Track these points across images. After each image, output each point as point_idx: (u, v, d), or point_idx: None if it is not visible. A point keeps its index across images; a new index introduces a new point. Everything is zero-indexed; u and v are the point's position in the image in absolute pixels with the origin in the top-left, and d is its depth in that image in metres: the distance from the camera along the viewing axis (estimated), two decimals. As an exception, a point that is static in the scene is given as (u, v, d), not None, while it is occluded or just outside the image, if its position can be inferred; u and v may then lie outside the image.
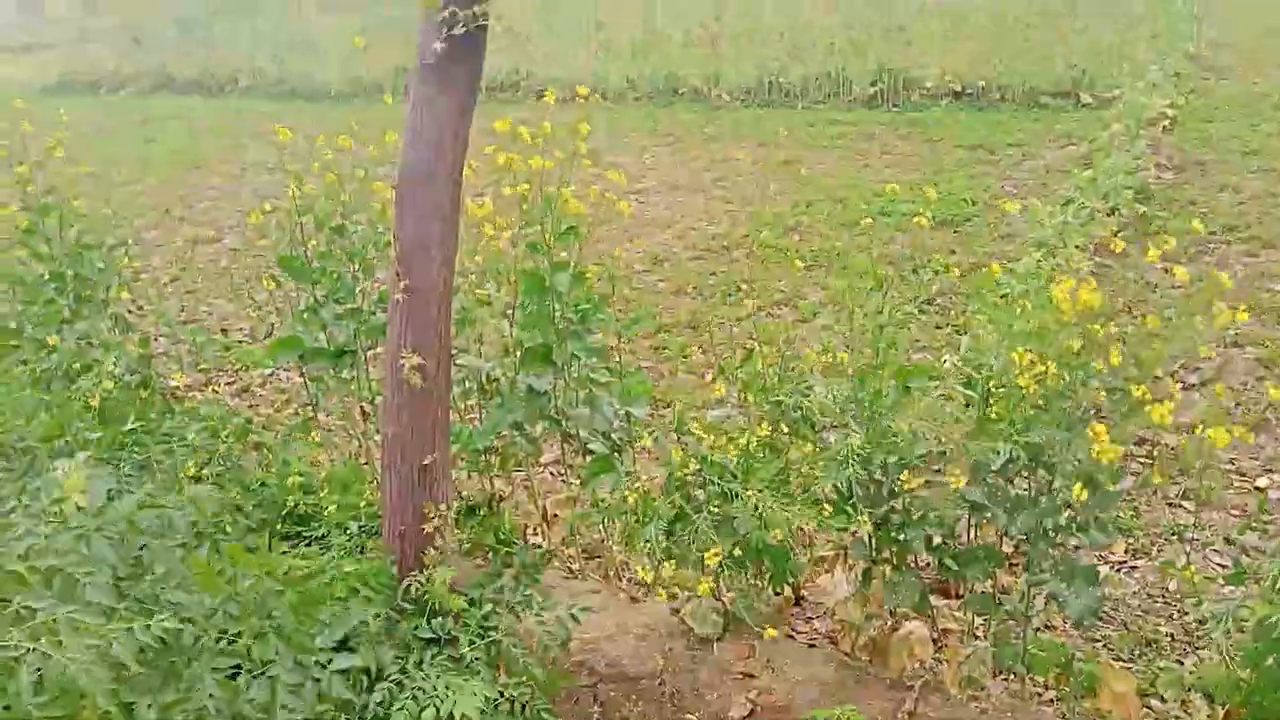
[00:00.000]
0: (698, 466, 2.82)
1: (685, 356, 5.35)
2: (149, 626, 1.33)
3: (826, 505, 2.87)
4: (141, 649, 1.34)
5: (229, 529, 2.55)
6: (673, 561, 3.02)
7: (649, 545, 2.77)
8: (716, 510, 2.79)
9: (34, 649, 1.24)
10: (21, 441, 2.50)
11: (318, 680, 1.46)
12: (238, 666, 1.45)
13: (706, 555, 2.72)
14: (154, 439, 3.11)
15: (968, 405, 2.83)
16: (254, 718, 1.39)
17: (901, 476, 2.73)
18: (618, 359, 3.59)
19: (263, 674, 1.45)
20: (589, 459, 3.30)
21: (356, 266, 3.72)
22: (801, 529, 3.19)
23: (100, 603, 1.35)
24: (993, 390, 2.72)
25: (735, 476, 2.82)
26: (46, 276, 4.17)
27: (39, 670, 1.23)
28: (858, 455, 2.64)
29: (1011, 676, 2.90)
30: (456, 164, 2.48)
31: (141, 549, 1.57)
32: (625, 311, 5.91)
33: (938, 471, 2.77)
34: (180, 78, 15.94)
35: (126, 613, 1.35)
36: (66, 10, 22.13)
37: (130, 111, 14.41)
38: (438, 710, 1.70)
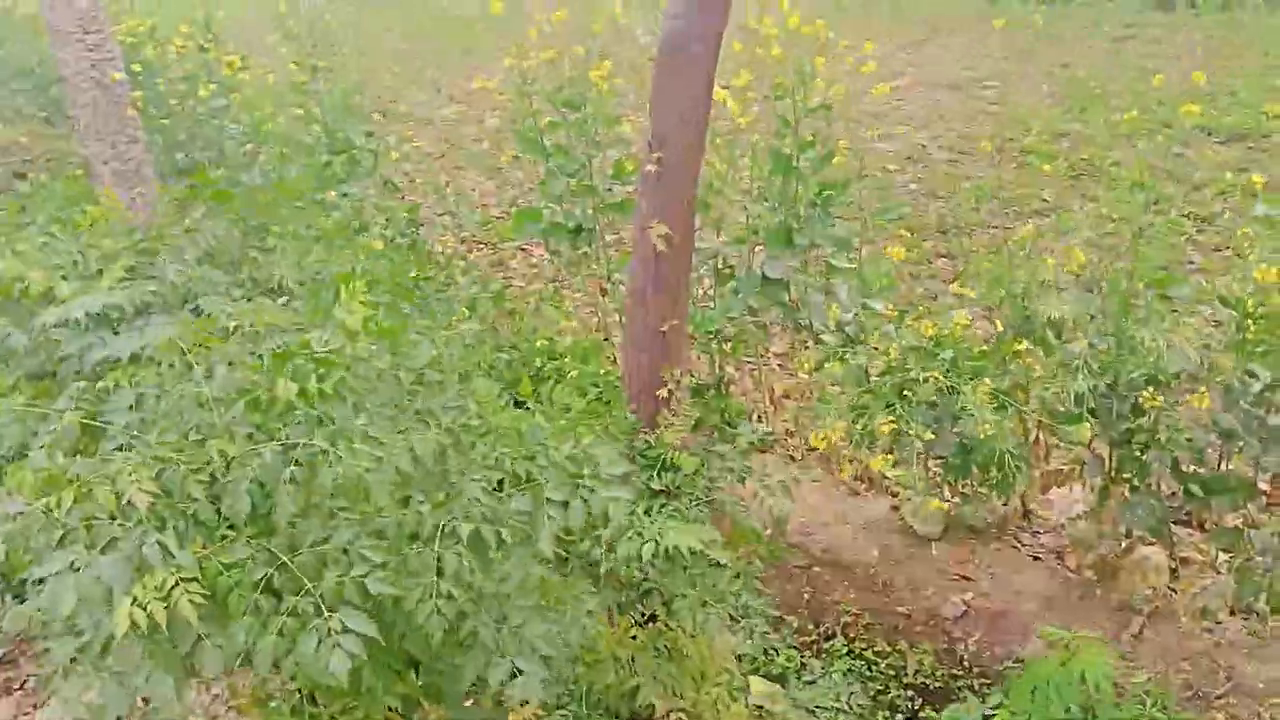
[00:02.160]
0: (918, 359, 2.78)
1: (930, 262, 5.21)
2: (426, 438, 1.52)
3: (1061, 415, 2.78)
4: (417, 458, 1.53)
5: (490, 374, 2.78)
6: (892, 455, 3.03)
7: (865, 435, 2.78)
8: (933, 405, 2.76)
9: (332, 450, 1.45)
10: (316, 278, 2.78)
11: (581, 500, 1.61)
12: (501, 482, 1.63)
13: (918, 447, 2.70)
14: (431, 294, 3.40)
15: (1218, 324, 2.64)
16: (514, 523, 1.56)
17: (1146, 393, 2.60)
18: (859, 250, 3.56)
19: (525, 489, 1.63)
20: (819, 348, 3.32)
21: (588, 141, 3.84)
22: (1037, 440, 3.11)
23: (386, 415, 1.55)
24: (1253, 311, 2.51)
25: (959, 375, 2.76)
26: (322, 138, 4.56)
27: (336, 469, 1.44)
28: (1101, 365, 2.53)
29: (1252, 616, 2.75)
30: (713, 48, 2.51)
31: (422, 371, 1.76)
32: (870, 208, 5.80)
33: (1189, 393, 2.61)
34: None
35: (408, 425, 1.54)
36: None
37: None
38: (658, 543, 1.84)
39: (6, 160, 6.70)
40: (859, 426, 2.88)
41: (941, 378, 2.76)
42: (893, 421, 2.82)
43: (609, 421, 2.33)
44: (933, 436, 2.82)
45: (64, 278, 2.11)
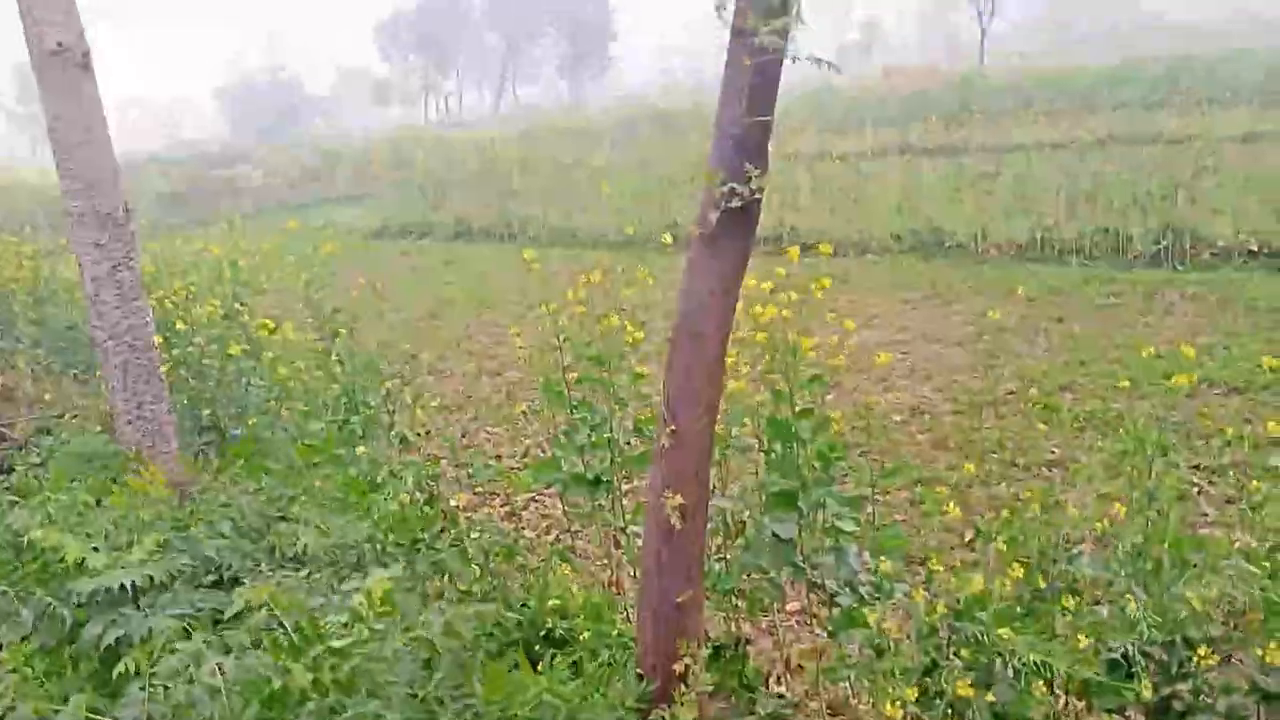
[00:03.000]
0: (948, 613, 2.72)
1: (943, 513, 5.19)
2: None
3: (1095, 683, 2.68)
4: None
5: (495, 643, 2.73)
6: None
7: (896, 699, 2.68)
8: (968, 659, 2.67)
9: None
10: (331, 550, 2.82)
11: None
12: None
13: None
14: (440, 550, 3.40)
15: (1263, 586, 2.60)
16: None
17: (1199, 652, 2.52)
18: (870, 509, 3.58)
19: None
20: (835, 610, 3.27)
21: (611, 397, 3.98)
22: (1066, 705, 2.98)
23: (399, 700, 1.52)
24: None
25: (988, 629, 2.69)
26: (341, 397, 4.73)
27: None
28: (1146, 624, 2.47)
29: None
30: (725, 322, 2.66)
31: (429, 658, 1.74)
32: (882, 461, 5.85)
33: (1228, 657, 2.54)
34: (476, 226, 17.67)
35: (420, 709, 1.51)
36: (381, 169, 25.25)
37: (434, 254, 16.09)
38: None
39: (34, 415, 6.88)
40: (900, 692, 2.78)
41: (980, 640, 2.70)
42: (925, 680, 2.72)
43: (622, 694, 2.26)
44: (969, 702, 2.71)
45: (95, 549, 2.14)
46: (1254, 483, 3.44)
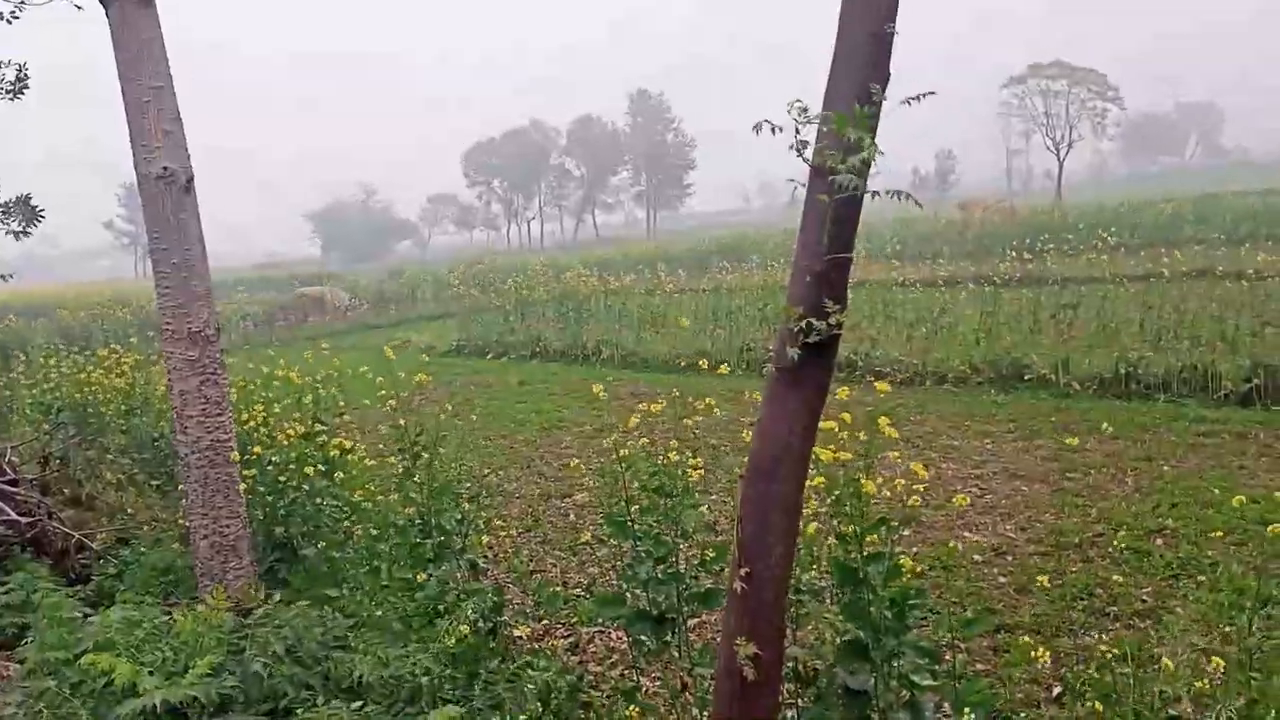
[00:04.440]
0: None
1: (1029, 664, 4.92)
2: None
3: None
4: None
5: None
6: None
7: None
8: None
9: None
10: (388, 681, 2.77)
11: None
12: None
13: None
14: (501, 685, 3.31)
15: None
16: None
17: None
18: (950, 659, 3.41)
19: None
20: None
21: (677, 530, 3.90)
22: None
23: None
24: None
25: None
26: (416, 521, 4.72)
27: None
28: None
29: None
30: (802, 459, 2.60)
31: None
32: (962, 606, 5.60)
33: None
34: (551, 347, 17.96)
35: None
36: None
37: (509, 373, 16.33)
38: None
39: (114, 526, 7.02)
40: None
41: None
42: None
43: None
44: None
45: (150, 672, 2.12)
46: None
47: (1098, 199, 48.10)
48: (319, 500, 5.42)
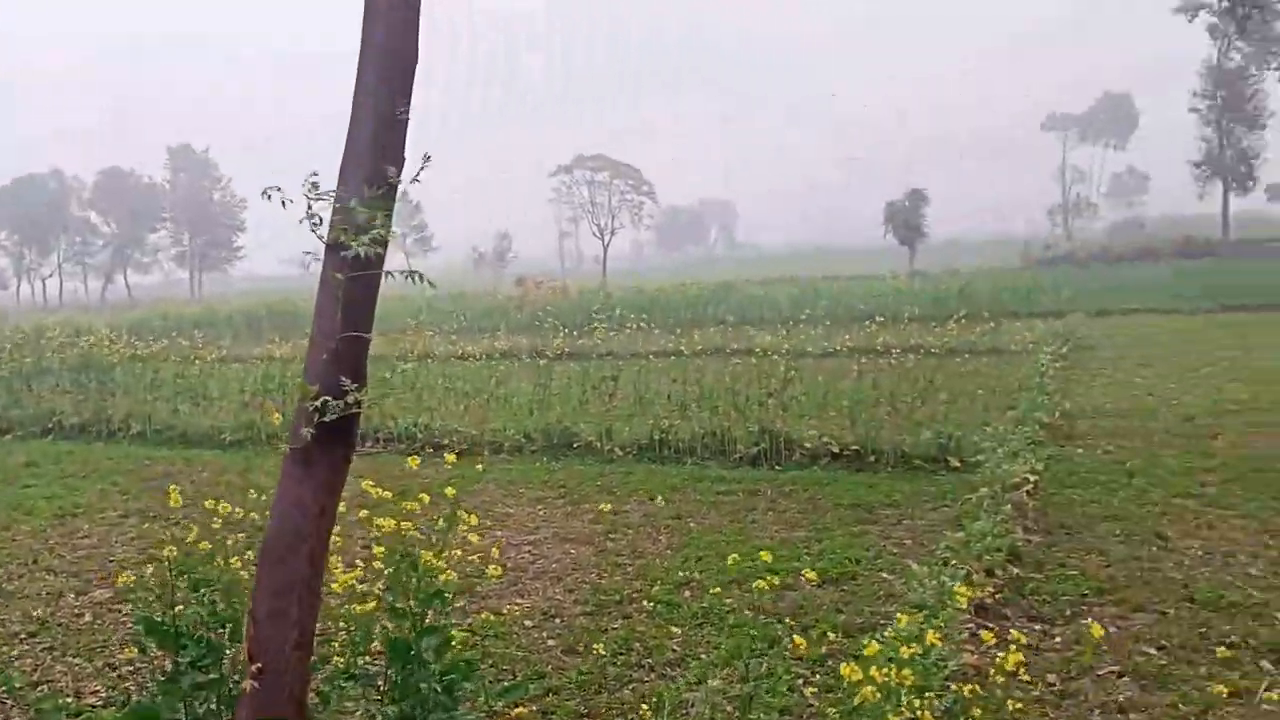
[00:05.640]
0: None
1: (574, 722, 5.13)
2: None
3: None
4: None
5: None
6: None
7: None
8: None
9: None
10: None
11: None
12: None
13: None
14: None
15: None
16: None
17: None
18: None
19: None
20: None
21: (224, 631, 3.57)
22: None
23: None
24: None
25: None
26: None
27: None
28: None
29: None
30: (321, 539, 2.53)
31: None
32: (513, 673, 5.72)
33: None
34: (69, 422, 15.77)
35: None
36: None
37: (13, 454, 14.05)
38: None
39: None
40: None
41: None
42: None
43: None
44: None
45: None
46: (844, 667, 3.77)
47: (637, 282, 52.93)
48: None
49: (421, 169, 2.50)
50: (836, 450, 11.18)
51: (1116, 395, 14.59)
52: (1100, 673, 5.47)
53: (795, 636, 4.50)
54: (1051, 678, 5.37)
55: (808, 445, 11.34)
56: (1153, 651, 5.73)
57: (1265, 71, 56.44)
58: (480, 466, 9.40)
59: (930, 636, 4.43)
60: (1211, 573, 6.94)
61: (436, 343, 20.10)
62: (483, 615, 5.87)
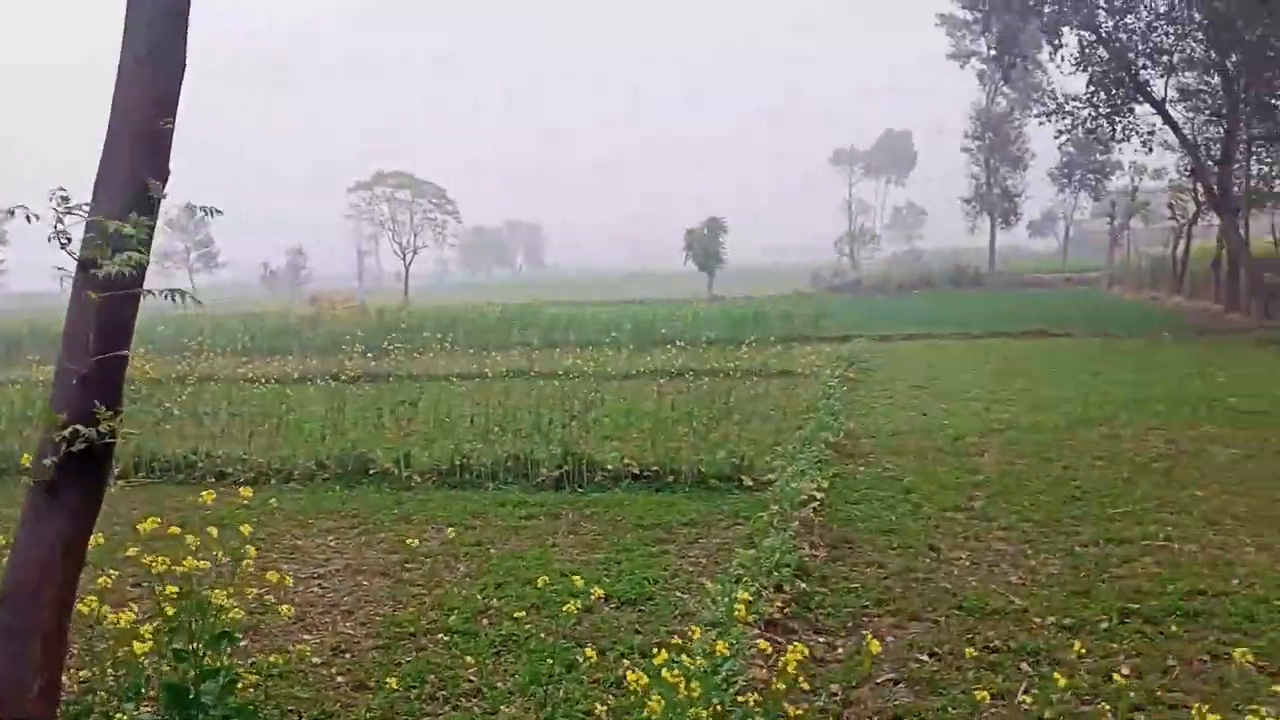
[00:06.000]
0: None
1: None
2: None
3: None
4: None
5: None
6: None
7: None
8: None
9: None
10: None
11: None
12: None
13: None
14: None
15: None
16: None
17: None
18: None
19: None
20: None
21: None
22: None
23: None
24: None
25: None
26: None
27: None
28: None
29: None
30: (68, 582, 2.32)
31: None
32: (298, 714, 5.44)
33: None
34: None
35: None
36: None
37: None
38: None
39: None
40: None
41: None
42: None
43: None
44: None
45: None
46: (631, 674, 3.82)
47: (439, 302, 52.04)
48: None
49: (164, 185, 2.34)
50: (637, 471, 11.33)
51: (895, 416, 15.51)
52: (879, 681, 5.77)
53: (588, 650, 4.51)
54: (834, 687, 5.61)
55: (609, 467, 11.43)
56: (926, 658, 6.09)
57: (1028, 116, 61.81)
58: (274, 501, 8.97)
59: (720, 647, 4.55)
60: (978, 581, 7.46)
61: (222, 365, 19.04)
62: (271, 657, 5.55)
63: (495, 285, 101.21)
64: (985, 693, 4.73)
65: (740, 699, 4.56)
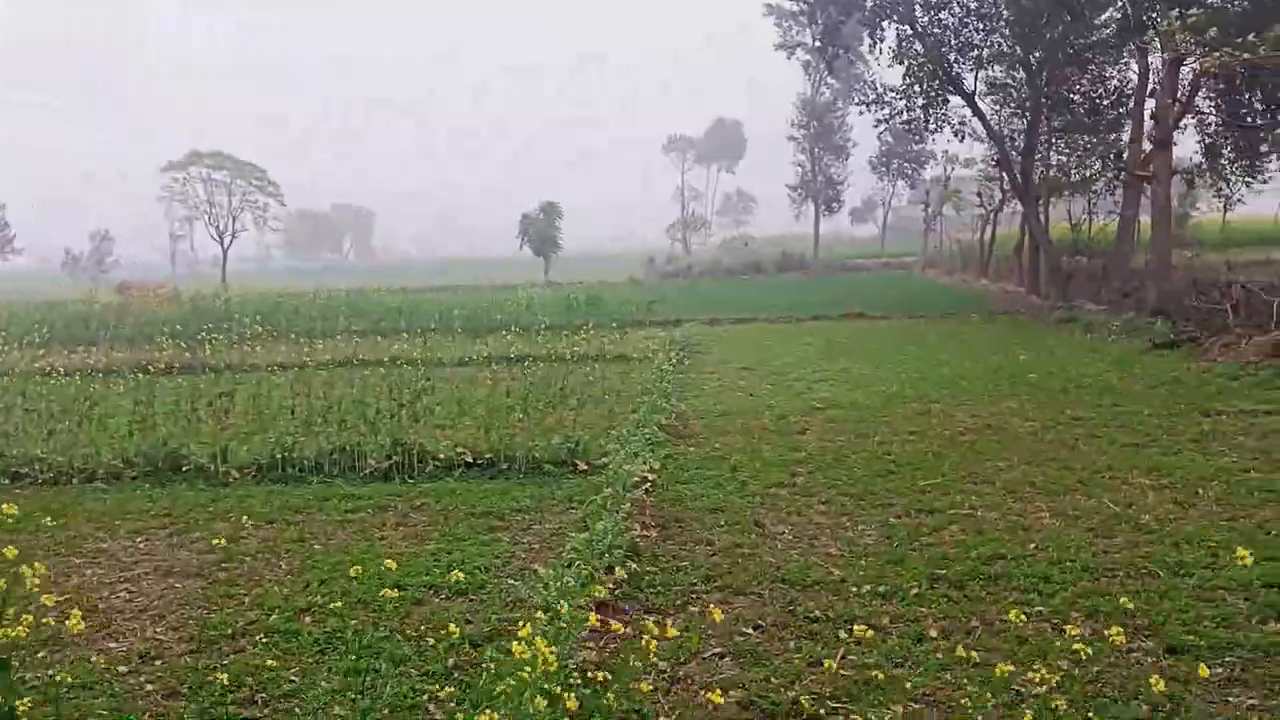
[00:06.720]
0: None
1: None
2: None
3: None
4: None
5: None
6: None
7: None
8: None
9: None
10: None
11: None
12: None
13: None
14: None
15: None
16: None
17: None
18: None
19: None
20: None
21: None
22: None
23: None
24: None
25: None
26: None
27: None
28: None
29: None
30: None
31: None
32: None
33: None
34: None
35: None
36: None
37: None
38: None
39: None
40: None
41: None
42: None
43: None
44: None
45: None
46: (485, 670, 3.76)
47: (261, 288, 49.76)
48: None
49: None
50: (470, 459, 11.18)
51: (724, 397, 15.90)
52: (706, 655, 5.91)
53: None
54: (664, 665, 5.71)
55: (441, 456, 11.23)
56: (750, 631, 6.28)
57: (850, 106, 64.28)
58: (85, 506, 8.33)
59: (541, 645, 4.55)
60: (800, 554, 7.75)
61: (17, 358, 17.63)
62: (60, 675, 5.18)
63: (321, 271, 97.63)
64: (800, 660, 4.91)
65: (573, 680, 4.58)
